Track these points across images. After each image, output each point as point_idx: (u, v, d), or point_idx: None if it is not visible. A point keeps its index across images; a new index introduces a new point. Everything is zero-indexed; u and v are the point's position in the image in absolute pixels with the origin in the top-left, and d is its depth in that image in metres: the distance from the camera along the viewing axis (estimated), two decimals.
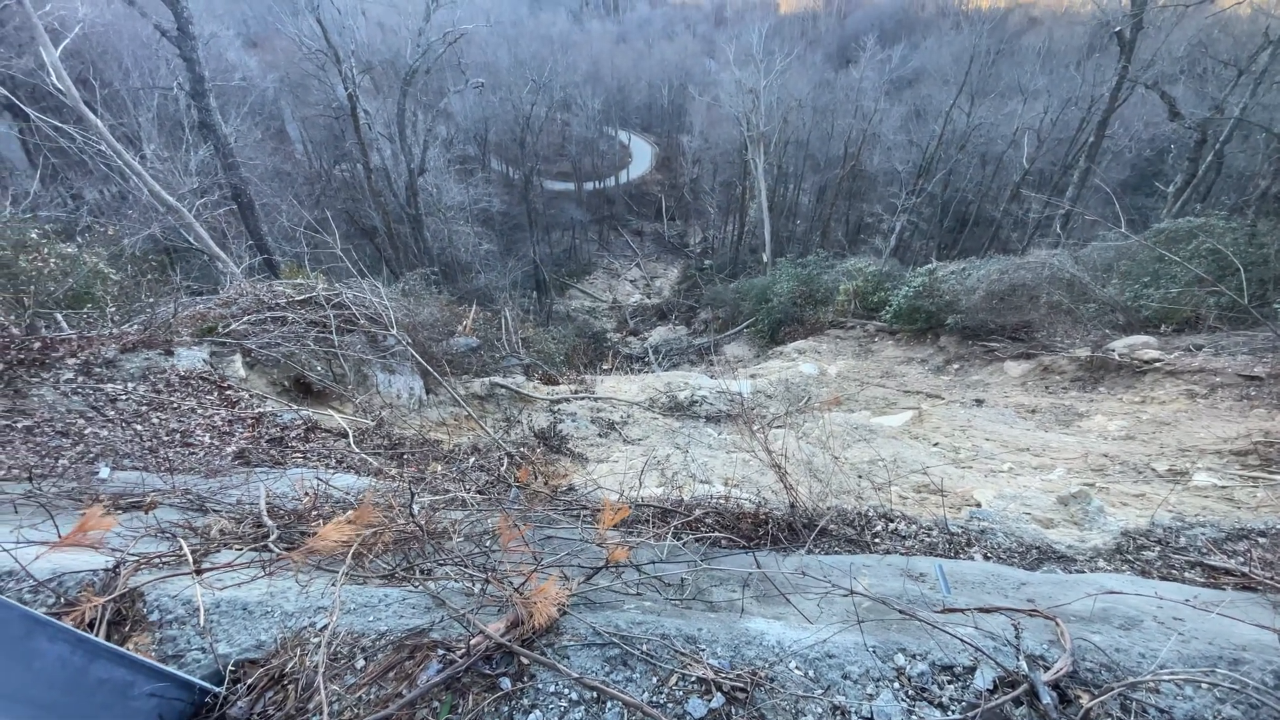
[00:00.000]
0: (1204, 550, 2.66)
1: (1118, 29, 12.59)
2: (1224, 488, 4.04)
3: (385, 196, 20.42)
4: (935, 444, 6.47)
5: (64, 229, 9.13)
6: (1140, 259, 10.69)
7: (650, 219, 56.02)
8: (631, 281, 46.88)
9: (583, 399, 8.84)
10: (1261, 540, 2.73)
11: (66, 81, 8.74)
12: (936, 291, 11.61)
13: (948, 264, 14.73)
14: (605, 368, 17.32)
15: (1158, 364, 7.41)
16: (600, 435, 8.14)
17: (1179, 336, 8.56)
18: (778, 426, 8.82)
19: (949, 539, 2.83)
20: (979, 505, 3.93)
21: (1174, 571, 2.55)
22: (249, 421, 3.74)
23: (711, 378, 12.89)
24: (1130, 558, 2.66)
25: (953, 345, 10.96)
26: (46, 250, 5.94)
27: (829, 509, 3.13)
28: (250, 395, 4.09)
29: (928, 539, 2.82)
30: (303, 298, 5.63)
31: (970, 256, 15.78)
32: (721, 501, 3.06)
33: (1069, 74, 27.20)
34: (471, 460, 4.13)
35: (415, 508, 1.97)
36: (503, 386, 7.88)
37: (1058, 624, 1.70)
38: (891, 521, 2.99)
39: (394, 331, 5.56)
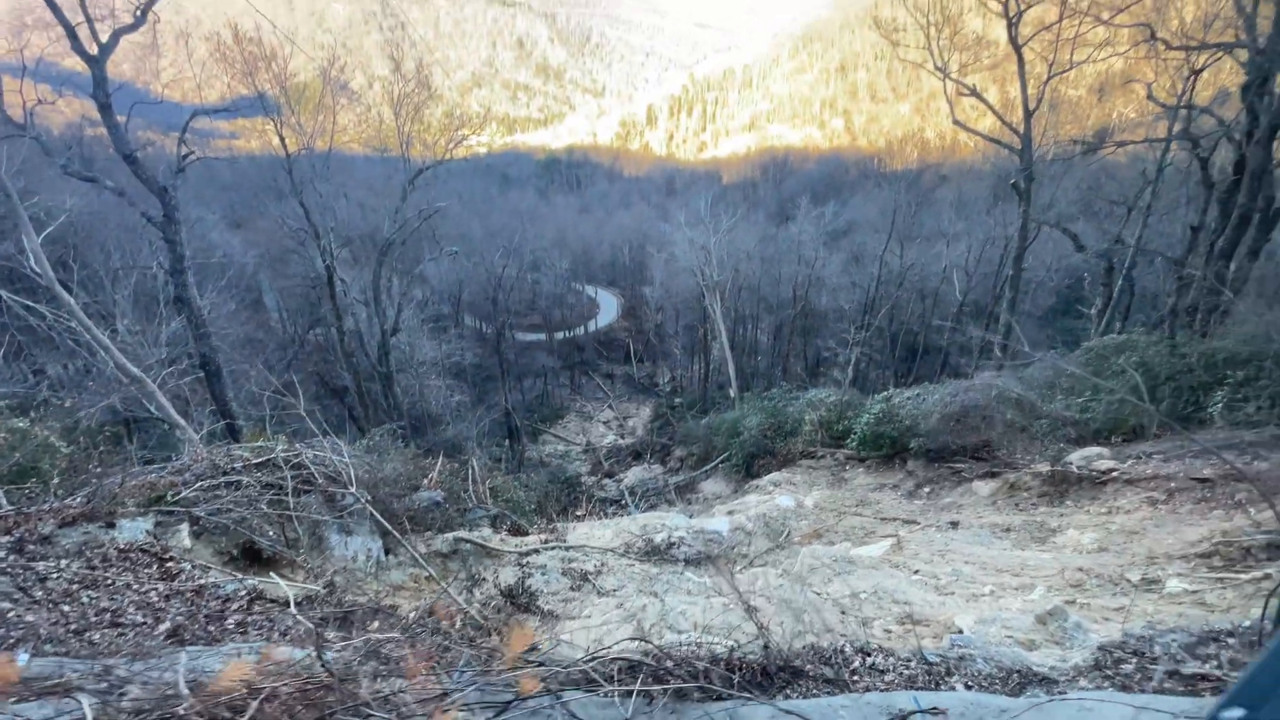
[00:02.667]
0: (1178, 658, 2.60)
1: (1013, 181, 14.58)
2: (1195, 592, 4.01)
3: (357, 357, 20.83)
4: (916, 571, 6.33)
5: (20, 404, 8.98)
6: (1078, 375, 11.38)
7: (619, 362, 57.66)
8: (605, 423, 46.93)
9: (553, 549, 8.48)
10: (1230, 641, 2.69)
11: (44, 265, 9.11)
12: (896, 417, 11.97)
13: (904, 390, 15.33)
14: (579, 513, 16.74)
15: (1114, 474, 7.61)
16: (573, 588, 7.71)
17: (1129, 445, 8.88)
18: (760, 564, 8.52)
19: (928, 669, 2.71)
20: (960, 631, 3.78)
21: (1152, 682, 2.47)
22: (187, 595, 3.50)
23: (690, 517, 12.57)
24: (1110, 672, 2.57)
25: (920, 469, 11.09)
26: None
27: (805, 648, 2.99)
28: (193, 566, 3.86)
29: (906, 671, 2.69)
30: (260, 460, 5.54)
31: (924, 382, 16.50)
32: (693, 649, 2.91)
33: (982, 219, 30.73)
34: (427, 620, 3.86)
35: (329, 654, 1.84)
36: (467, 541, 7.56)
37: None
38: (869, 655, 2.86)
39: (353, 489, 5.43)
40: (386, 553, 6.75)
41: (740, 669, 2.76)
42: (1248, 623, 2.83)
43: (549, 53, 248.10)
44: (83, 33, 10.07)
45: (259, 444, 5.91)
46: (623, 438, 41.13)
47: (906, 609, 4.77)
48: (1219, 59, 11.04)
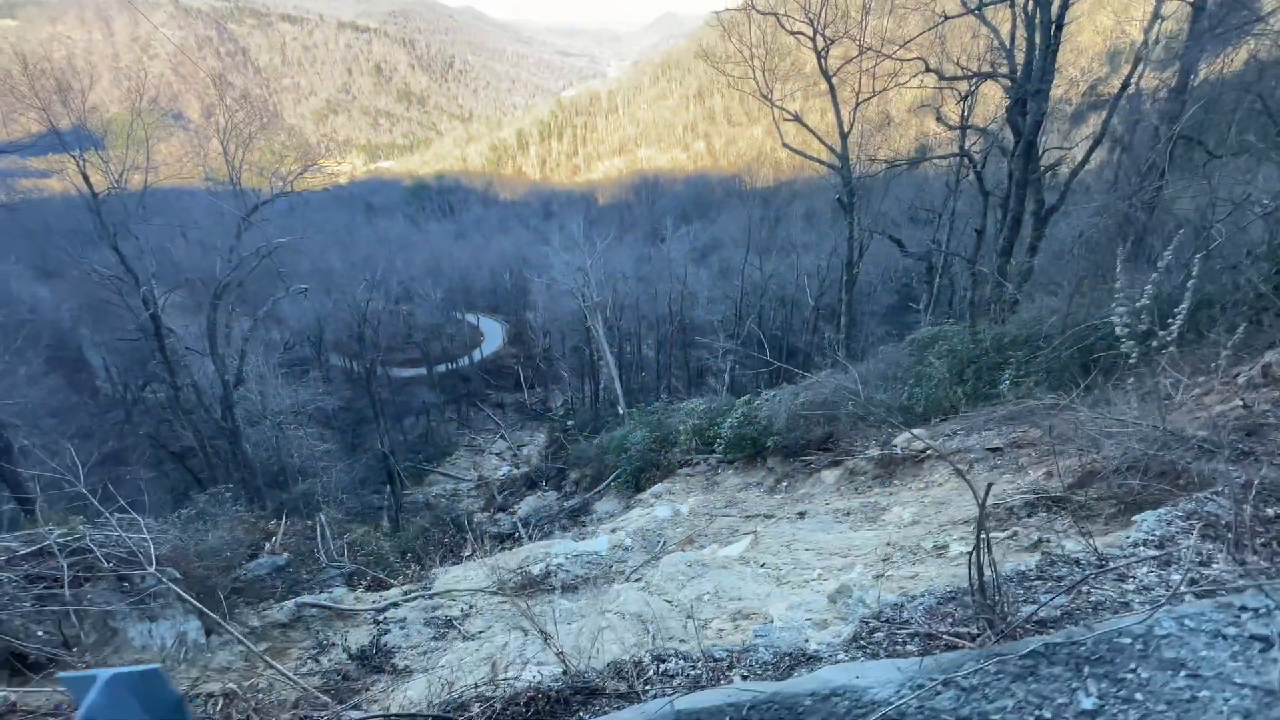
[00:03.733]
0: (921, 621, 2.96)
1: (837, 197, 16.21)
2: (969, 552, 4.60)
3: (198, 414, 18.68)
4: (763, 564, 6.70)
5: None
6: (905, 364, 12.71)
7: (510, 390, 56.28)
8: (498, 455, 45.48)
9: (415, 599, 8.05)
10: (967, 599, 3.11)
11: None
12: (755, 419, 12.69)
13: (766, 392, 16.28)
14: (467, 554, 16.01)
15: (929, 452, 8.55)
16: (435, 638, 7.34)
17: (944, 424, 9.99)
18: (636, 578, 8.61)
19: (713, 666, 2.87)
20: (771, 620, 4.07)
21: (898, 647, 2.79)
22: None
23: (576, 540, 12.47)
24: (864, 642, 2.88)
25: (778, 465, 11.80)
26: None
27: (606, 666, 3.06)
28: None
29: (693, 672, 2.84)
30: (29, 550, 4.77)
31: (783, 384, 17.62)
32: (490, 689, 2.87)
33: (829, 230, 33.77)
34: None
35: None
36: (313, 606, 6.98)
37: None
38: (664, 662, 2.98)
39: (151, 570, 4.84)
40: (209, 634, 6.05)
41: (537, 699, 2.77)
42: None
43: (410, 79, 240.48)
44: None
45: (28, 531, 5.10)
46: (517, 467, 40.09)
47: (740, 605, 5.03)
48: (978, 86, 13.13)
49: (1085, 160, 13.93)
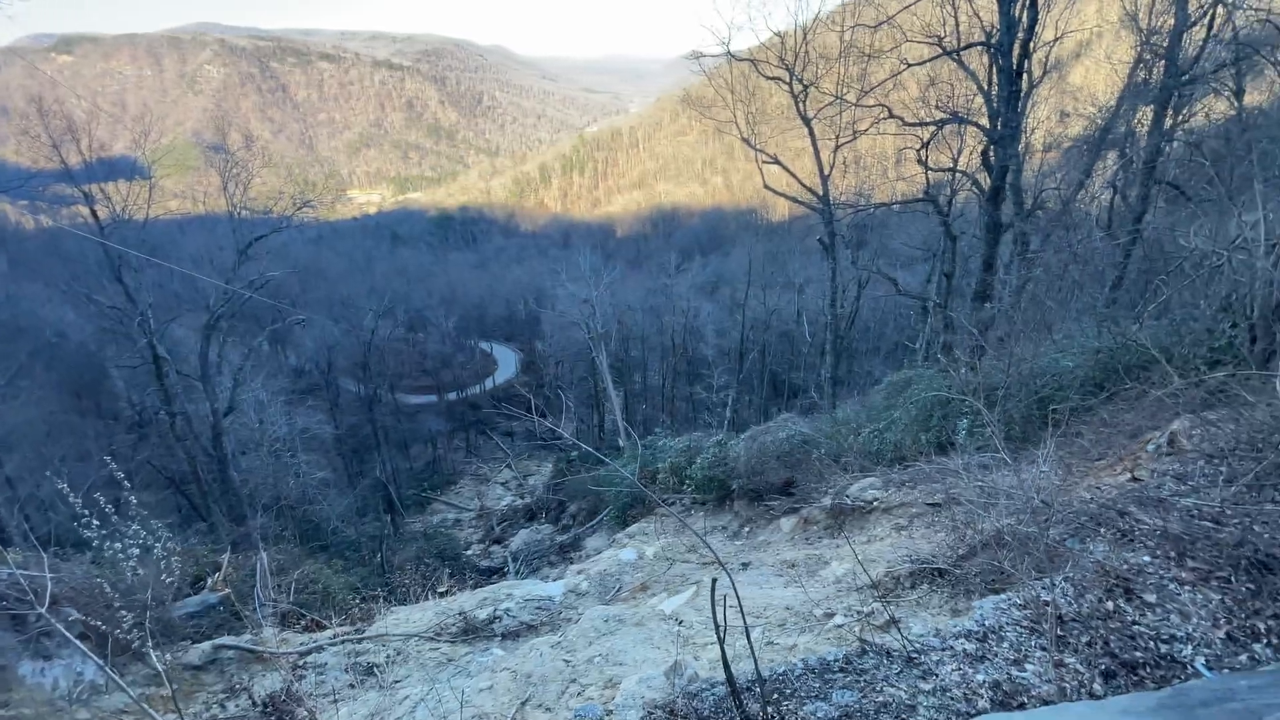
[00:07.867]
0: (704, 715, 2.82)
1: (819, 238, 16.17)
2: (841, 625, 4.40)
3: (190, 441, 19.07)
4: (681, 622, 6.48)
5: None
6: (877, 409, 12.43)
7: (521, 419, 56.21)
8: (503, 484, 45.34)
9: (343, 643, 7.96)
10: (761, 689, 2.95)
11: None
12: (725, 460, 12.46)
13: (746, 431, 16.01)
14: (441, 590, 15.86)
15: (876, 504, 8.29)
16: (353, 685, 7.23)
17: (903, 472, 9.70)
18: (557, 633, 8.41)
19: None
20: (614, 697, 3.91)
21: None
22: None
23: (542, 583, 12.28)
24: None
25: (744, 509, 11.55)
26: None
27: None
28: None
29: None
30: None
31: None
32: None
33: (844, 265, 33.69)
34: None
35: None
36: (230, 648, 6.93)
37: None
38: None
39: (41, 610, 4.87)
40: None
41: None
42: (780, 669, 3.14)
43: (440, 114, 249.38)
44: None
45: None
46: (521, 498, 39.91)
47: (617, 670, 4.86)
48: (937, 133, 13.13)
49: (1068, 204, 13.72)
